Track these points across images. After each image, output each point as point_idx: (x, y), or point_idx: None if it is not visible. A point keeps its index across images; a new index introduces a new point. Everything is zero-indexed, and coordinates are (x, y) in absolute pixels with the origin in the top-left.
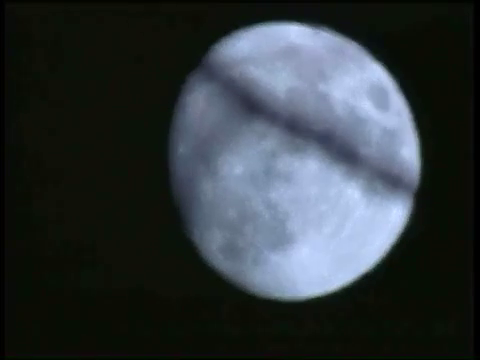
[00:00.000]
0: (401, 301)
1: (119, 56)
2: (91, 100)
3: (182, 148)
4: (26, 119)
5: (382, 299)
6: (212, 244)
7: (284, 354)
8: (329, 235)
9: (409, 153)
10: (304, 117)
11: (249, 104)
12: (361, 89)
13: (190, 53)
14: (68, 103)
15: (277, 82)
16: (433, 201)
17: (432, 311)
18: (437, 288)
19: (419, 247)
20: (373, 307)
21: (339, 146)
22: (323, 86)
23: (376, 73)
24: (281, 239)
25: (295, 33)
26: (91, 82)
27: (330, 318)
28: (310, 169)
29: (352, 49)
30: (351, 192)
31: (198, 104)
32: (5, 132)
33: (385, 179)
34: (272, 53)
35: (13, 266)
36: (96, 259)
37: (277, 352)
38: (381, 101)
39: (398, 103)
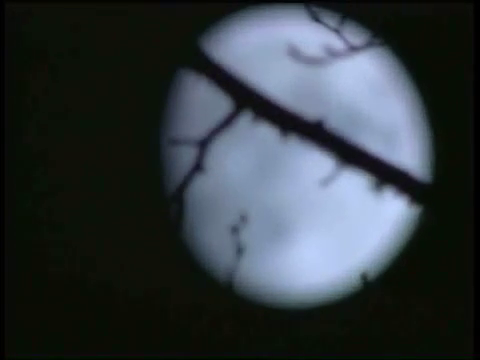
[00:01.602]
0: (400, 301)
1: (118, 55)
2: (91, 99)
3: (178, 146)
4: (26, 119)
5: (381, 298)
6: (210, 243)
7: (285, 354)
8: (328, 231)
9: (409, 148)
10: (302, 112)
11: (246, 99)
12: (361, 84)
13: (187, 49)
14: (68, 103)
15: (274, 77)
16: (434, 197)
17: (432, 311)
18: (437, 288)
19: (418, 246)
20: (372, 306)
21: (338, 141)
22: (322, 80)
23: (376, 68)
24: (280, 236)
25: (293, 26)
26: (91, 81)
27: (330, 316)
28: (308, 165)
29: (352, 44)
30: (350, 188)
31: (194, 101)
32: (5, 131)
33: (383, 174)
34: (270, 47)
35: (13, 266)
36: (95, 260)
37: (277, 353)
38: (381, 96)
39: (398, 98)
